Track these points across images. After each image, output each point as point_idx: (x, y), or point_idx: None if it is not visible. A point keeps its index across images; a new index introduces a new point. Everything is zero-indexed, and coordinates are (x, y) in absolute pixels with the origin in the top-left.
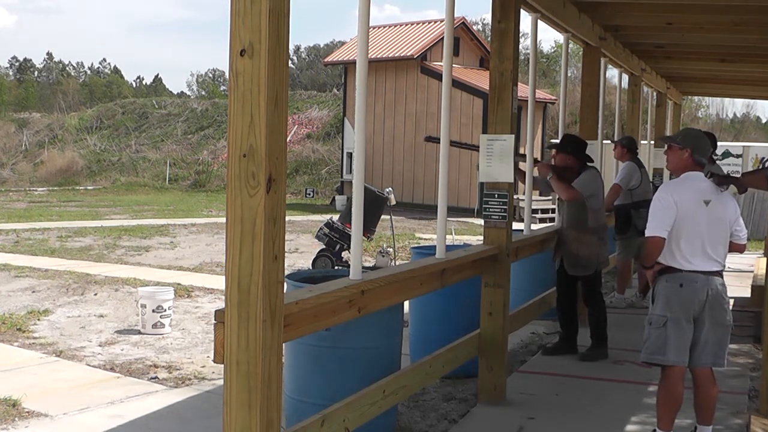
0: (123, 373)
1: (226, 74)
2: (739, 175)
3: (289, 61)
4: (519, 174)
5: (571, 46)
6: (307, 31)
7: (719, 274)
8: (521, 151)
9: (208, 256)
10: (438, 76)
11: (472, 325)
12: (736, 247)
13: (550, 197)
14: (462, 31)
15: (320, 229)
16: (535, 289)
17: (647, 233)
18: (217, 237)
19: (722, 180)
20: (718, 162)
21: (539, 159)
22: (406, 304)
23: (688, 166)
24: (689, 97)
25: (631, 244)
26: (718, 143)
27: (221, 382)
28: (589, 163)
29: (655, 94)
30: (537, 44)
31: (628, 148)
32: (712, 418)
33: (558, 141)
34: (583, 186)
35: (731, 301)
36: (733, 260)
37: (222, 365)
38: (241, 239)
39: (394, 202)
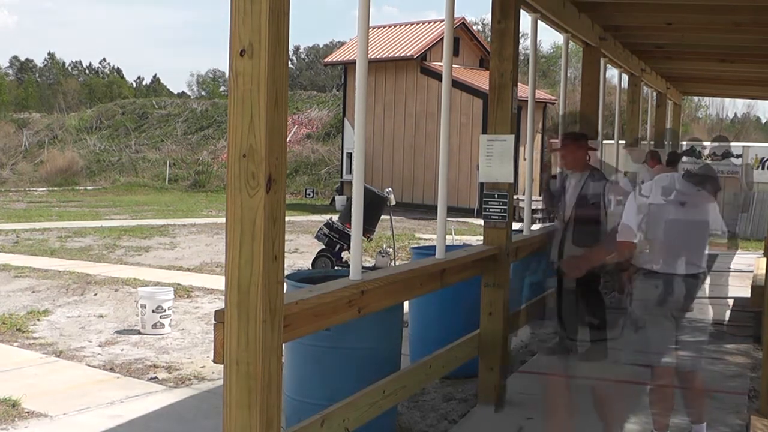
0: (123, 373)
1: (226, 74)
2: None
3: (289, 61)
4: None
5: (570, 46)
6: (307, 31)
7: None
8: (521, 153)
9: (208, 256)
10: (438, 76)
11: (471, 326)
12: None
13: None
14: (462, 32)
15: (320, 229)
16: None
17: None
18: (217, 237)
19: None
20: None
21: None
22: (406, 304)
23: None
24: (689, 97)
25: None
26: (719, 143)
27: (221, 382)
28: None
29: (655, 94)
30: (537, 44)
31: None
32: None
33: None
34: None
35: (730, 302)
36: (733, 260)
37: (222, 365)
38: (240, 239)
39: (393, 202)
